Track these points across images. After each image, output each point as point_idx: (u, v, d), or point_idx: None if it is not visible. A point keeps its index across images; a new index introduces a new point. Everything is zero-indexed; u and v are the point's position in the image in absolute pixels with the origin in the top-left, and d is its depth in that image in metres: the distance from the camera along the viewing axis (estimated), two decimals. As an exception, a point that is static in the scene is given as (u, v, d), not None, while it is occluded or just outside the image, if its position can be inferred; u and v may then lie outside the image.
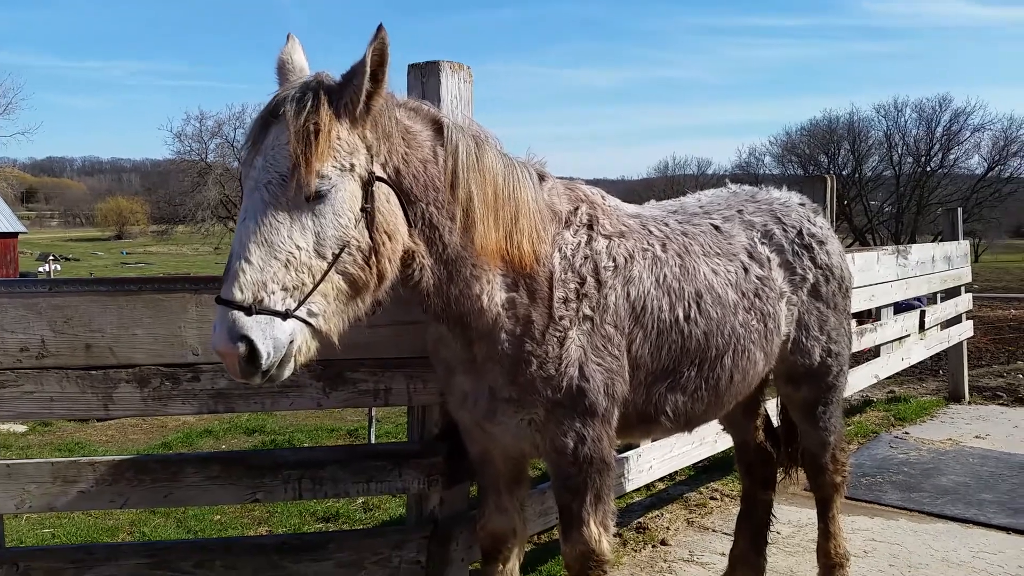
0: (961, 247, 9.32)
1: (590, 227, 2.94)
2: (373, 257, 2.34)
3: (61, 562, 3.09)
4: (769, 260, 3.49)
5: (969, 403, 9.16)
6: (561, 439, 2.84)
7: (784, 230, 3.61)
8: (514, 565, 3.27)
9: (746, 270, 3.38)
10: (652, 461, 4.90)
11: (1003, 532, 5.21)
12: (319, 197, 2.23)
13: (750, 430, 4.25)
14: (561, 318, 2.77)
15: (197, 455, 3.55)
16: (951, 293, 9.22)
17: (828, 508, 4.12)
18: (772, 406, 4.59)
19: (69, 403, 3.00)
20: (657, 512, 5.55)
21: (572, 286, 2.82)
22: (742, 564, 4.18)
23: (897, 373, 8.54)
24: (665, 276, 3.07)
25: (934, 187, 49.52)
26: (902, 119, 51.09)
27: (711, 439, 5.30)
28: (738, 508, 4.40)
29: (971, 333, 9.67)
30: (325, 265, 2.25)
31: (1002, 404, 9.17)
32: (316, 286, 2.23)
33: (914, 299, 9.15)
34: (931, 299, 9.30)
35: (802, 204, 3.86)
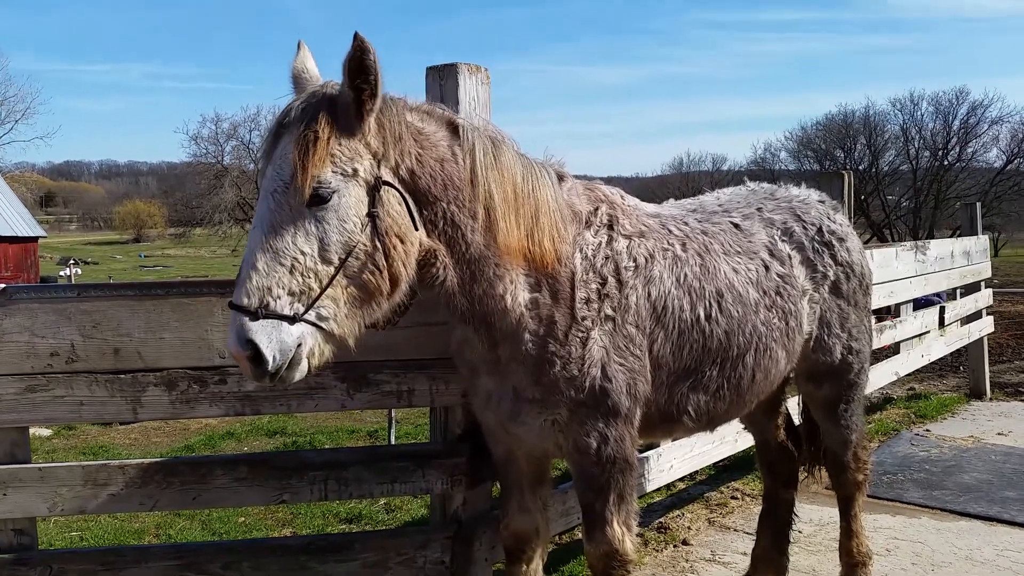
0: (980, 242, 9.26)
1: (610, 227, 2.96)
2: (384, 261, 2.37)
3: (92, 564, 3.14)
4: (790, 258, 3.49)
5: (991, 399, 9.11)
6: (584, 439, 2.86)
7: (804, 227, 3.61)
8: (537, 565, 3.29)
9: (767, 268, 3.38)
10: (673, 460, 4.91)
11: (1027, 529, 5.18)
12: (322, 203, 2.28)
13: (771, 429, 4.25)
14: (583, 318, 2.79)
15: (224, 457, 3.60)
16: (971, 289, 9.16)
17: (850, 506, 4.11)
18: (793, 404, 4.59)
19: (99, 406, 3.05)
20: (678, 512, 5.55)
21: (594, 286, 2.83)
22: (764, 563, 4.18)
23: (917, 370, 8.49)
24: (686, 275, 3.08)
25: (952, 181, 49.04)
26: (918, 113, 50.65)
27: (731, 438, 5.30)
28: (759, 507, 4.41)
29: (991, 329, 9.60)
30: (332, 270, 2.29)
31: (1024, 400, 9.11)
32: (323, 291, 2.28)
33: (933, 295, 9.10)
34: (951, 295, 9.25)
35: (821, 201, 3.86)
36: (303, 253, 2.26)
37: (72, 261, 40.50)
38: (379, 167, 2.39)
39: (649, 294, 2.95)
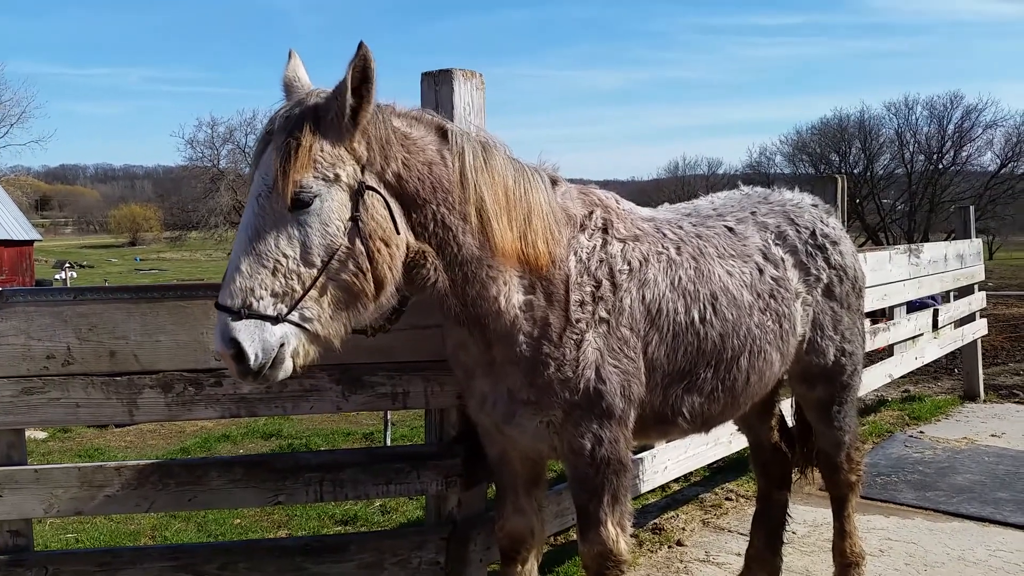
0: (974, 245, 9.31)
1: (605, 231, 2.98)
2: (367, 264, 2.41)
3: (88, 565, 3.15)
4: (783, 261, 3.52)
5: (984, 401, 9.14)
6: (579, 440, 2.88)
7: (797, 231, 3.64)
8: (532, 566, 3.31)
9: (761, 271, 3.41)
10: (667, 462, 4.93)
11: (1020, 531, 5.21)
12: (303, 207, 2.33)
13: (765, 430, 4.28)
14: (578, 321, 2.82)
15: (221, 459, 3.61)
16: (964, 291, 9.20)
17: (843, 507, 4.14)
18: (787, 406, 4.61)
19: (95, 409, 3.06)
20: (673, 513, 5.57)
21: (588, 289, 2.86)
22: (758, 564, 4.20)
23: (911, 372, 8.53)
24: (680, 278, 3.10)
25: (947, 185, 49.17)
26: (913, 117, 50.77)
27: (726, 440, 5.32)
28: (753, 508, 4.43)
29: (985, 331, 9.64)
30: (314, 272, 2.34)
31: (1018, 402, 9.15)
32: (306, 292, 2.33)
33: (928, 298, 9.15)
34: (945, 298, 9.29)
35: (815, 205, 3.89)
36: (285, 256, 2.32)
37: (67, 264, 40.46)
38: (363, 172, 2.43)
39: (643, 297, 2.98)
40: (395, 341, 3.21)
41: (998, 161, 49.39)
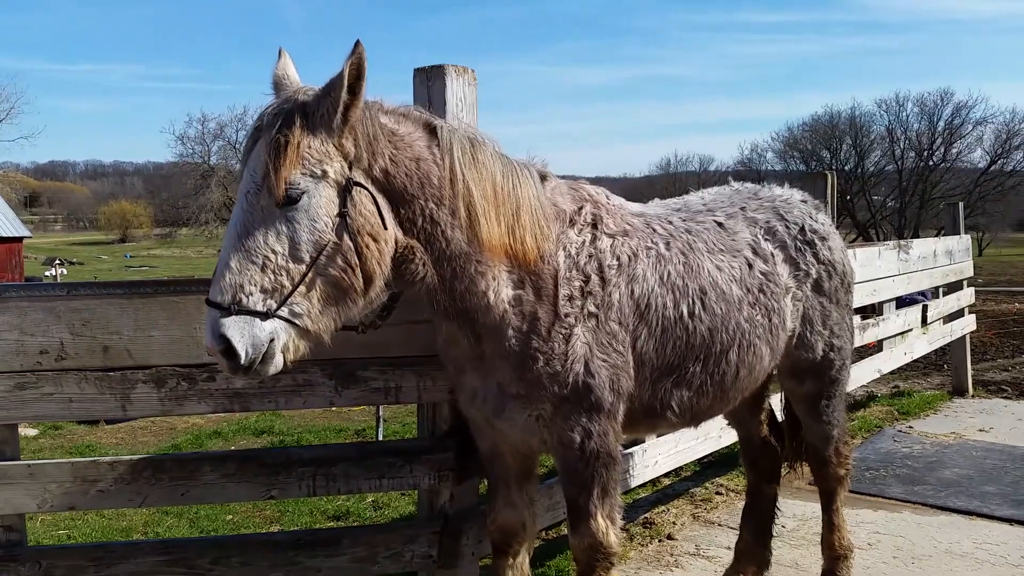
0: (963, 241, 9.37)
1: (594, 226, 3.01)
2: (356, 259, 2.44)
3: (81, 560, 3.16)
4: (773, 256, 3.55)
5: (973, 397, 9.21)
6: (568, 434, 2.91)
7: (787, 226, 3.67)
8: (524, 559, 3.33)
9: (750, 266, 3.44)
10: (658, 456, 4.96)
11: (1006, 524, 5.26)
12: (292, 204, 2.36)
13: (754, 425, 4.31)
14: (567, 315, 2.84)
15: (213, 453, 3.62)
16: (953, 287, 9.26)
17: (832, 501, 4.18)
18: (776, 401, 4.65)
19: (88, 404, 3.07)
20: (663, 507, 5.61)
21: (577, 284, 2.88)
22: (747, 557, 4.24)
23: (901, 368, 8.59)
24: (669, 273, 3.13)
25: (937, 181, 49.47)
26: (904, 113, 51.10)
27: (715, 434, 5.36)
28: (743, 502, 4.46)
29: (974, 327, 9.71)
30: (303, 268, 2.36)
31: (1006, 397, 9.22)
32: (295, 288, 2.35)
33: (917, 294, 9.21)
34: (934, 293, 9.35)
35: (804, 201, 3.92)
36: (274, 252, 2.34)
37: (57, 261, 40.32)
38: (351, 168, 2.45)
39: (632, 292, 3.00)
40: (388, 336, 3.22)
41: (988, 158, 49.74)
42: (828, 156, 51.95)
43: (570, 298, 2.85)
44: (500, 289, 2.77)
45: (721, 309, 3.25)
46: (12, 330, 3.00)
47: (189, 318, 3.10)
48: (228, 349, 2.28)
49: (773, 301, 3.48)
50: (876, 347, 7.94)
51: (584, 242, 2.95)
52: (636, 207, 3.39)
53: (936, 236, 9.56)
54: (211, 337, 2.29)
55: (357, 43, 2.37)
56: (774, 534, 4.38)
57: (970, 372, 9.51)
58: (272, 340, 2.34)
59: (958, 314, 9.27)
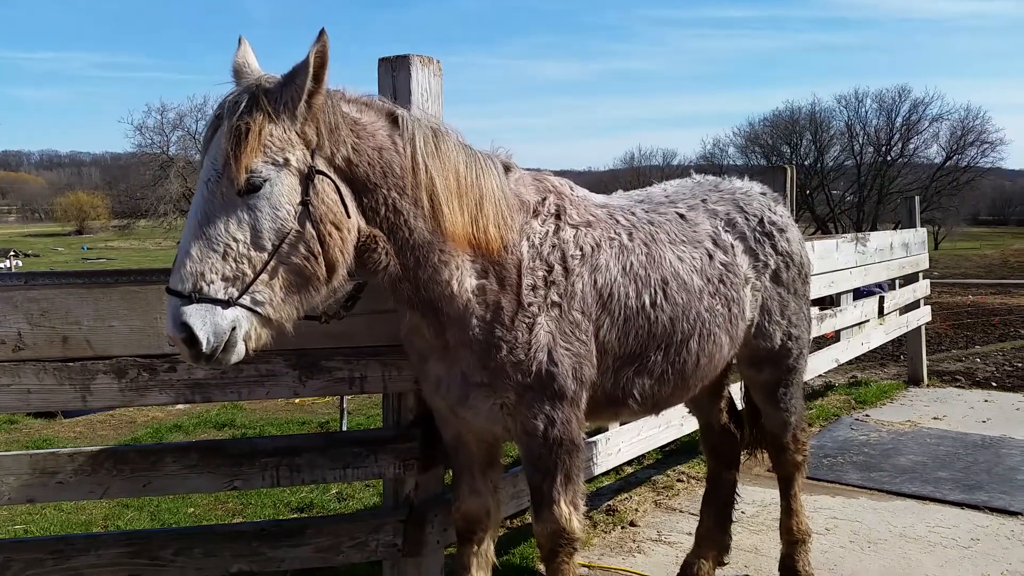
0: (919, 234, 9.55)
1: (558, 217, 3.04)
2: (319, 248, 2.44)
3: (40, 553, 3.13)
4: (733, 247, 3.61)
5: (928, 386, 9.42)
6: (532, 422, 2.94)
7: (746, 218, 3.73)
8: (488, 546, 3.36)
9: (711, 257, 3.49)
10: (620, 444, 5.02)
11: (958, 508, 5.41)
12: (253, 191, 2.35)
13: (715, 413, 4.38)
14: (530, 304, 2.87)
15: (176, 444, 3.60)
16: (909, 279, 9.44)
17: (790, 486, 4.26)
18: (736, 389, 4.73)
19: (47, 395, 3.03)
20: (626, 495, 5.68)
21: (540, 273, 2.91)
22: (708, 542, 4.31)
23: (858, 358, 8.75)
24: (632, 264, 3.17)
25: (894, 176, 50.31)
26: (863, 109, 51.89)
27: (677, 422, 5.43)
28: (703, 489, 4.53)
29: (929, 318, 9.91)
30: (265, 256, 2.36)
31: (959, 387, 9.44)
32: (257, 276, 2.34)
33: (874, 285, 9.38)
34: (891, 285, 9.53)
35: (763, 193, 3.99)
36: (235, 240, 2.33)
37: (12, 253, 39.49)
38: (312, 157, 2.45)
39: (595, 281, 3.04)
40: (353, 325, 3.22)
41: (943, 154, 50.69)
42: (788, 151, 52.55)
43: (533, 287, 2.88)
44: (464, 278, 2.79)
45: (682, 299, 3.30)
46: (-32, 320, 2.95)
47: (150, 308, 3.07)
48: (190, 337, 2.26)
49: (733, 291, 3.53)
50: (834, 337, 8.08)
51: (548, 232, 2.98)
52: (599, 198, 3.43)
53: (893, 230, 9.73)
54: (172, 325, 2.27)
55: (322, 31, 2.37)
56: (734, 519, 4.46)
57: (925, 362, 9.71)
58: (234, 328, 2.33)
59: (914, 305, 9.46)
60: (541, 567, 3.24)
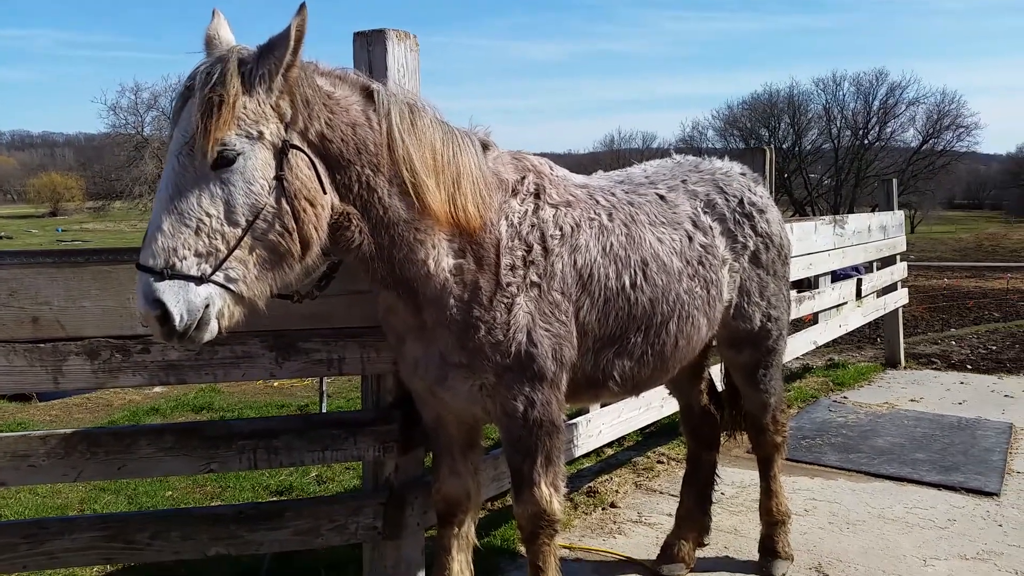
0: (896, 217, 9.61)
1: (537, 196, 3.01)
2: (293, 223, 2.39)
3: (14, 537, 3.07)
4: (712, 228, 3.59)
5: (905, 368, 9.51)
6: (511, 403, 2.92)
7: (726, 199, 3.72)
8: (469, 528, 3.34)
9: (690, 238, 3.48)
10: (601, 426, 5.01)
11: (934, 488, 5.46)
12: (227, 165, 2.29)
13: (695, 394, 4.38)
14: (508, 284, 2.84)
15: (150, 427, 3.54)
16: (887, 262, 9.51)
17: (769, 467, 4.28)
18: (716, 370, 4.73)
19: (17, 377, 2.96)
20: (606, 477, 5.69)
21: (519, 253, 2.88)
22: (688, 523, 4.32)
23: (836, 340, 8.81)
24: (612, 245, 3.15)
25: (872, 160, 50.74)
26: (841, 93, 52.22)
27: (657, 404, 5.43)
28: (683, 470, 4.54)
29: (906, 300, 10.00)
30: (239, 232, 2.31)
31: (935, 369, 9.54)
32: (231, 252, 2.30)
33: (851, 268, 9.43)
34: (868, 268, 9.59)
35: (743, 174, 3.97)
36: (208, 215, 2.27)
37: (-16, 235, 38.88)
38: (287, 130, 2.39)
39: (575, 262, 3.01)
40: (331, 306, 3.18)
41: (920, 137, 51.10)
42: (767, 134, 52.83)
43: (512, 267, 2.85)
44: (440, 258, 2.75)
45: (662, 280, 3.29)
46: (-65, 301, 2.88)
47: (122, 288, 3.01)
48: (163, 314, 2.21)
49: (711, 273, 3.52)
50: (812, 320, 8.12)
51: (527, 212, 2.95)
52: (579, 179, 3.40)
53: (870, 212, 9.80)
54: (144, 302, 2.22)
55: (302, 5, 2.31)
56: (714, 501, 4.48)
57: (902, 344, 9.81)
58: (207, 306, 2.28)
59: (891, 288, 9.53)
60: (522, 549, 3.22)
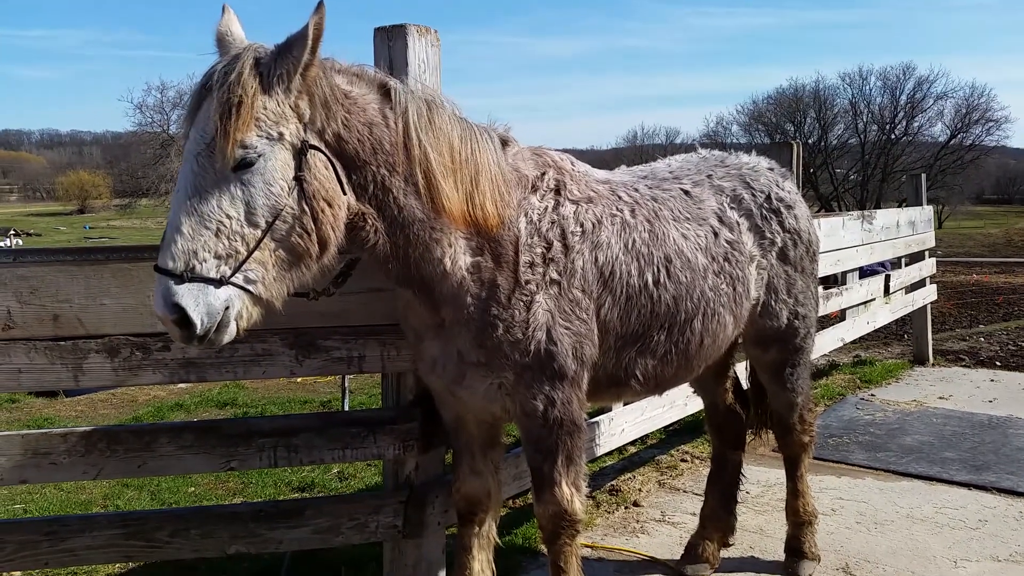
0: (925, 212, 9.46)
1: (557, 192, 2.96)
2: (312, 224, 2.37)
3: (35, 534, 3.08)
4: (738, 224, 3.53)
5: (933, 365, 9.36)
6: (531, 402, 2.88)
7: (753, 195, 3.65)
8: (490, 527, 3.31)
9: (716, 234, 3.41)
10: (624, 425, 4.96)
11: (965, 488, 5.36)
12: (247, 167, 2.26)
13: (720, 392, 4.32)
14: (527, 282, 2.79)
15: (171, 424, 3.54)
16: (915, 258, 9.36)
17: (796, 467, 4.21)
18: (741, 368, 4.66)
19: (38, 374, 2.97)
20: (629, 475, 5.63)
21: (539, 250, 2.83)
22: (712, 523, 4.26)
23: (863, 337, 8.68)
24: (634, 241, 3.09)
25: (898, 155, 50.03)
26: (867, 87, 51.50)
27: (681, 402, 5.37)
28: (708, 469, 4.48)
29: (935, 297, 9.84)
30: (259, 233, 2.28)
31: (964, 366, 9.37)
32: (250, 254, 2.27)
33: (879, 264, 9.30)
34: (896, 264, 9.45)
35: (771, 169, 3.90)
36: (229, 216, 2.25)
37: (13, 232, 39.46)
38: (305, 131, 2.36)
39: (596, 259, 2.96)
40: (350, 304, 3.16)
41: (948, 132, 50.38)
42: (792, 129, 52.21)
43: (531, 265, 2.80)
44: (457, 256, 2.71)
45: (686, 277, 3.23)
46: (-44, 298, 2.88)
47: (142, 285, 3.00)
48: (183, 319, 2.19)
49: (738, 270, 3.46)
50: (839, 316, 8.01)
51: (547, 208, 2.90)
52: (601, 174, 3.34)
53: (898, 208, 9.65)
54: (164, 306, 2.19)
55: (320, 3, 2.28)
56: (739, 500, 4.41)
57: (931, 341, 9.65)
58: (227, 308, 2.26)
59: (920, 284, 9.38)
60: (544, 548, 3.19)
